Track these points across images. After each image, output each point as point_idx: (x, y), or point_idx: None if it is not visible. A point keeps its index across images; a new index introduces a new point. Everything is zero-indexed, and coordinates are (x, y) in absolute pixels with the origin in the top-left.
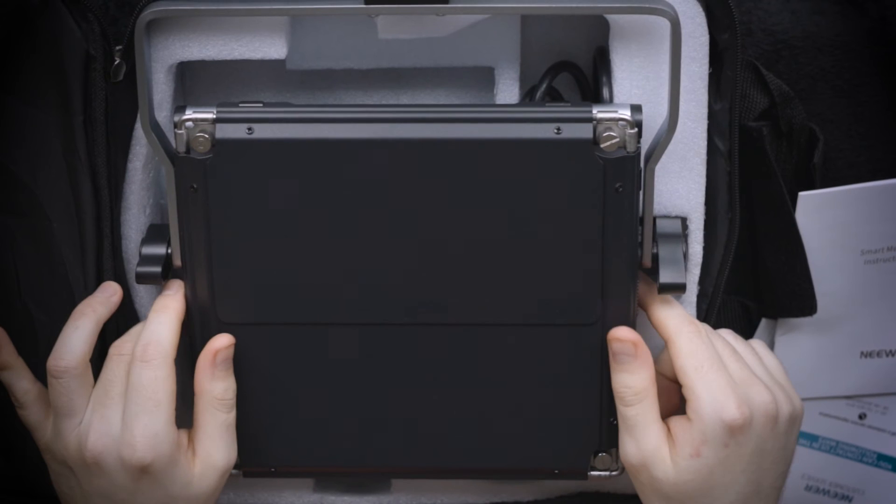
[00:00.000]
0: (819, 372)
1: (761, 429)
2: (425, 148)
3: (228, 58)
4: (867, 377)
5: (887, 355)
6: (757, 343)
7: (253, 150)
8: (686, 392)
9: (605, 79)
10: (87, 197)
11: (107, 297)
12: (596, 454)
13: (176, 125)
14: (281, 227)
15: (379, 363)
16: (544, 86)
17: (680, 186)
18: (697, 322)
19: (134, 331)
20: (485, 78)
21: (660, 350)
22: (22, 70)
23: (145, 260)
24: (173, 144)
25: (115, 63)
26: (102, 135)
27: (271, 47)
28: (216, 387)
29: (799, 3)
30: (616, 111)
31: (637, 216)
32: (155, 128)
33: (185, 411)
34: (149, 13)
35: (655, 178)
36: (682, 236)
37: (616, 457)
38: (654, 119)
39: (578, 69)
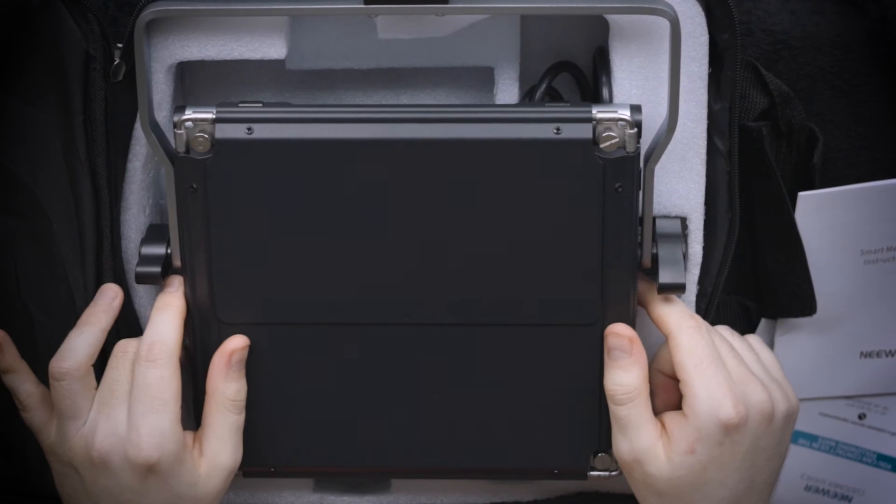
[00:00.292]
0: (819, 372)
1: (757, 427)
2: (425, 148)
3: (228, 58)
4: (867, 377)
5: (887, 355)
6: (753, 339)
7: (253, 150)
8: (683, 388)
9: (604, 79)
10: (87, 197)
11: (108, 303)
12: (595, 454)
13: (175, 125)
14: (280, 228)
15: (379, 363)
16: (544, 86)
17: (680, 186)
18: (698, 317)
19: None
20: (484, 78)
21: (657, 349)
22: (22, 70)
23: (145, 260)
24: (173, 144)
25: (115, 63)
26: (102, 135)
27: (271, 47)
28: (229, 387)
29: (799, 3)
30: (616, 111)
31: (637, 216)
32: (154, 128)
33: (185, 412)
34: (148, 13)
35: (655, 178)
36: (682, 236)
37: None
38: (653, 119)
39: (578, 69)
